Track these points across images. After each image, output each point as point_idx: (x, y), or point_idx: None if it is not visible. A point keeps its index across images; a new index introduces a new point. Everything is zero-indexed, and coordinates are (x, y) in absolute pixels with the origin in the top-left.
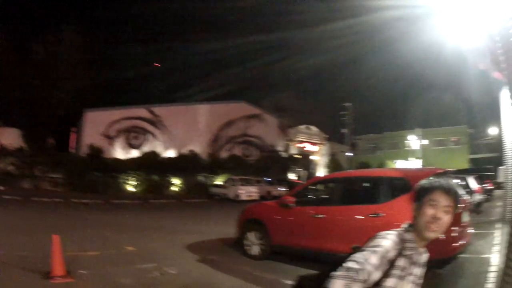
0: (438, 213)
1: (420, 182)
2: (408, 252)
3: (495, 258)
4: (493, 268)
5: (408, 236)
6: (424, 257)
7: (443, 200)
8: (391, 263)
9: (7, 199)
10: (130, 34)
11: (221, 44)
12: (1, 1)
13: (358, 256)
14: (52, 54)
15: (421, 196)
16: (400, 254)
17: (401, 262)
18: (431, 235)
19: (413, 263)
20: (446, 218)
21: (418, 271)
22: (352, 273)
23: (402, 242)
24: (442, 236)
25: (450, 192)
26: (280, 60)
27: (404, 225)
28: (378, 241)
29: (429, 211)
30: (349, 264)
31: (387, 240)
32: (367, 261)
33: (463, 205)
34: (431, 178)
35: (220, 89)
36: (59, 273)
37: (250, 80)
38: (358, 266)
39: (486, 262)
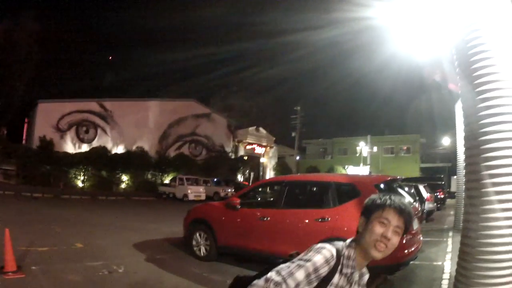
0: (388, 233)
1: (372, 197)
2: (345, 270)
3: (448, 266)
4: (446, 276)
5: (349, 252)
6: (366, 278)
7: (394, 220)
8: (324, 280)
9: None
10: (85, 25)
11: (180, 50)
12: None
13: (283, 267)
14: (7, 39)
15: (370, 211)
16: (335, 270)
17: (336, 279)
18: (377, 255)
19: (352, 282)
20: (395, 239)
21: None
22: (271, 285)
23: (339, 258)
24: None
25: (403, 212)
26: (234, 63)
27: (348, 240)
28: (310, 254)
29: (378, 229)
30: (271, 274)
31: (319, 255)
32: (291, 275)
33: (414, 213)
34: (384, 194)
35: (171, 87)
36: (11, 268)
37: (202, 79)
38: (279, 279)
39: (439, 269)
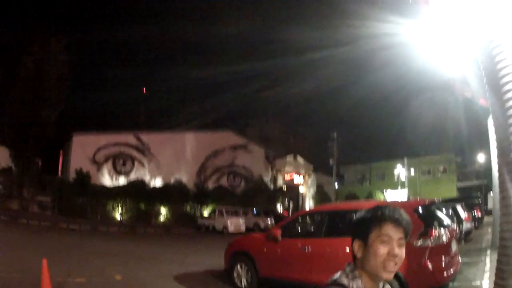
0: (394, 250)
1: (361, 216)
2: None
3: (486, 285)
4: None
5: (358, 283)
6: None
7: (395, 233)
8: None
9: None
10: (119, 58)
11: (208, 71)
12: None
13: None
14: (40, 72)
15: (366, 232)
16: None
17: None
18: (388, 275)
19: None
20: (402, 252)
21: None
22: None
23: None
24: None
25: (401, 221)
26: (266, 88)
27: (347, 269)
28: None
29: (383, 249)
30: None
31: None
32: None
33: (452, 234)
34: (371, 210)
35: (207, 117)
36: None
37: (236, 107)
38: None
39: None
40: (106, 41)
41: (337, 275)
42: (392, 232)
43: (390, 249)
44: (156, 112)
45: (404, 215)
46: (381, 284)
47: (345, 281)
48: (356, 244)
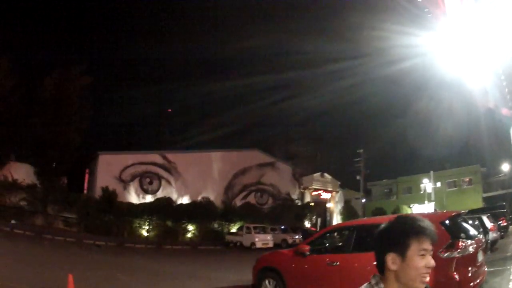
0: (430, 262)
1: (391, 227)
2: None
3: None
4: None
5: None
6: None
7: (429, 246)
8: None
9: (19, 233)
10: (144, 78)
11: (232, 89)
12: (13, 41)
13: None
14: (62, 94)
15: (403, 245)
16: None
17: None
18: (422, 286)
19: None
20: (433, 263)
21: None
22: None
23: None
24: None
25: (432, 234)
26: (291, 105)
27: (372, 281)
28: None
29: (422, 263)
30: None
31: None
32: None
33: (478, 245)
34: (406, 220)
35: (233, 136)
36: None
37: (262, 125)
38: None
39: None
40: (130, 61)
41: (362, 287)
42: (428, 245)
43: (427, 261)
44: (180, 130)
45: (432, 226)
46: None
47: None
48: (390, 257)
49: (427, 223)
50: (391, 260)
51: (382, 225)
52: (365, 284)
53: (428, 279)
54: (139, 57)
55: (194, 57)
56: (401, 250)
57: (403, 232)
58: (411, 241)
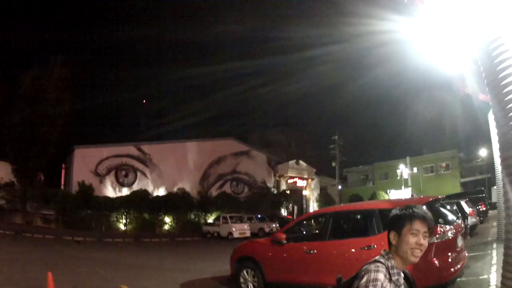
0: (421, 240)
1: (395, 213)
2: (394, 278)
3: (494, 278)
4: None
5: (391, 263)
6: (401, 277)
7: (422, 228)
8: None
9: None
10: (118, 71)
11: (206, 78)
12: None
13: None
14: (39, 88)
15: (400, 226)
16: (389, 280)
17: (389, 287)
18: (415, 259)
19: (398, 286)
20: (426, 243)
21: None
22: None
23: (388, 270)
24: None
25: (426, 219)
26: (262, 87)
27: (383, 253)
28: (373, 275)
29: (412, 239)
30: None
31: (381, 273)
32: None
33: (457, 230)
34: (404, 208)
35: (207, 125)
36: None
37: (236, 113)
38: None
39: (485, 283)
40: (106, 54)
41: (377, 257)
42: (420, 227)
43: (418, 240)
44: (156, 122)
45: (428, 213)
46: (401, 276)
47: (382, 260)
48: (392, 234)
49: (421, 210)
50: (392, 237)
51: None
52: (378, 256)
53: (419, 254)
54: (114, 47)
55: (169, 46)
56: (398, 229)
57: (401, 216)
58: (405, 222)
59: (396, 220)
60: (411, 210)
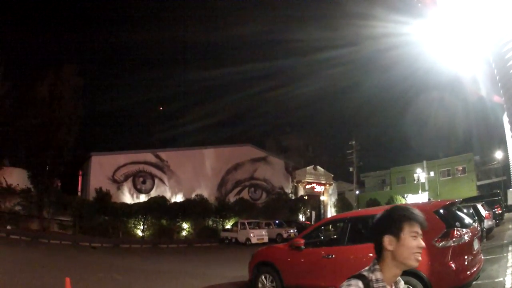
0: (421, 242)
1: (391, 216)
2: None
3: (509, 281)
4: None
5: (376, 276)
6: (402, 284)
7: (419, 229)
8: None
9: (15, 239)
10: (134, 78)
11: (223, 85)
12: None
13: None
14: (55, 96)
15: (398, 229)
16: None
17: None
18: (416, 264)
19: None
20: (423, 244)
21: None
22: None
23: (368, 286)
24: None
25: (422, 220)
26: (277, 92)
27: (371, 264)
28: None
29: (413, 243)
30: None
31: None
32: None
33: (474, 233)
34: (398, 210)
35: (224, 131)
36: None
37: (253, 119)
38: None
39: (501, 286)
40: (121, 59)
41: (362, 270)
42: (418, 229)
43: (418, 242)
44: (173, 129)
45: (421, 214)
46: (400, 283)
47: (365, 273)
48: (388, 239)
49: (417, 211)
50: (388, 241)
51: (379, 213)
52: (366, 268)
53: (420, 257)
54: (129, 55)
55: (184, 51)
56: (396, 232)
57: (398, 217)
58: (404, 224)
59: (392, 223)
60: (409, 211)
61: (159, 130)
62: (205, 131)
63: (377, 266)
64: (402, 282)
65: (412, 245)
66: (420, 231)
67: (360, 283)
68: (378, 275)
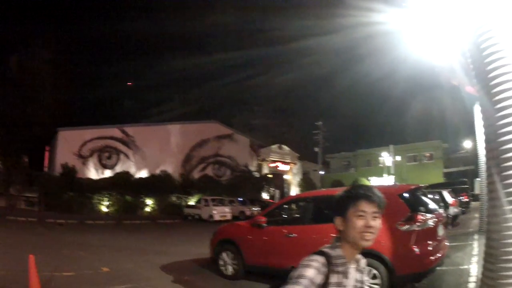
0: (369, 222)
1: (338, 196)
2: (339, 268)
3: (474, 269)
4: (472, 279)
5: (336, 252)
6: (363, 261)
7: (369, 208)
8: (323, 285)
9: None
10: (102, 53)
11: (192, 62)
12: None
13: None
14: (25, 71)
15: (343, 209)
16: (330, 273)
17: (334, 279)
18: (367, 243)
19: (347, 274)
20: (377, 224)
21: (359, 276)
22: None
23: (330, 261)
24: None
25: (372, 198)
26: (251, 77)
27: (332, 241)
28: (301, 270)
29: (359, 222)
30: None
31: (310, 269)
32: None
33: (439, 219)
34: (347, 190)
35: (191, 108)
36: None
37: (222, 98)
38: None
39: (466, 273)
40: (89, 36)
41: (324, 246)
42: (366, 208)
43: (366, 222)
44: (141, 104)
45: (377, 192)
46: (360, 261)
47: (327, 250)
48: (338, 220)
49: (366, 190)
50: (338, 222)
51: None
52: (327, 245)
53: (370, 237)
54: (100, 30)
55: (157, 32)
56: (343, 213)
57: (344, 198)
58: (349, 205)
59: (339, 203)
60: (354, 191)
61: (128, 105)
62: (173, 108)
63: (338, 243)
64: (364, 260)
65: (357, 225)
66: (371, 210)
67: (321, 258)
68: (339, 251)
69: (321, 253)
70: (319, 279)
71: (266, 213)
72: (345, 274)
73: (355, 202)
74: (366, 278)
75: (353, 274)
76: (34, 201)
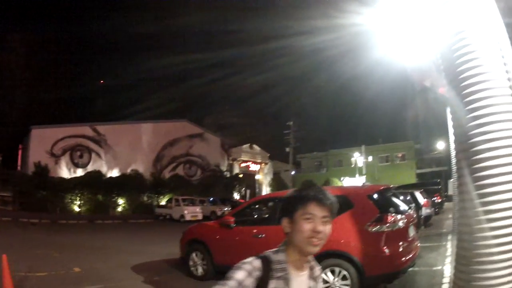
0: (318, 227)
1: (288, 196)
2: (278, 274)
3: (447, 270)
4: (445, 280)
5: (278, 257)
6: (317, 269)
7: (319, 212)
8: None
9: None
10: (75, 51)
11: (164, 61)
12: None
13: None
14: None
15: (291, 211)
16: (267, 278)
17: (272, 284)
18: (314, 249)
19: (288, 280)
20: (327, 229)
21: (313, 284)
22: None
23: (268, 266)
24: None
25: (324, 201)
26: (223, 77)
27: (279, 245)
28: (232, 272)
29: (307, 226)
30: None
31: (240, 271)
32: None
33: (409, 219)
34: (299, 190)
35: (163, 107)
36: None
37: (193, 98)
38: None
39: (439, 274)
40: (62, 35)
41: (271, 251)
42: (316, 211)
43: (314, 226)
44: (113, 103)
45: (329, 195)
46: (315, 268)
47: (269, 253)
48: (285, 221)
49: (318, 192)
50: (285, 224)
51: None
52: (274, 249)
53: (317, 242)
54: (73, 29)
55: (130, 31)
56: (291, 215)
57: (291, 199)
58: (297, 206)
59: (288, 204)
60: (304, 191)
61: (99, 104)
62: (145, 107)
63: (282, 248)
64: (319, 267)
65: (304, 228)
66: (321, 214)
67: (257, 262)
68: (281, 256)
69: (262, 256)
70: (248, 282)
71: (235, 213)
72: (286, 280)
73: (304, 203)
74: (321, 286)
75: (304, 281)
76: (8, 200)
